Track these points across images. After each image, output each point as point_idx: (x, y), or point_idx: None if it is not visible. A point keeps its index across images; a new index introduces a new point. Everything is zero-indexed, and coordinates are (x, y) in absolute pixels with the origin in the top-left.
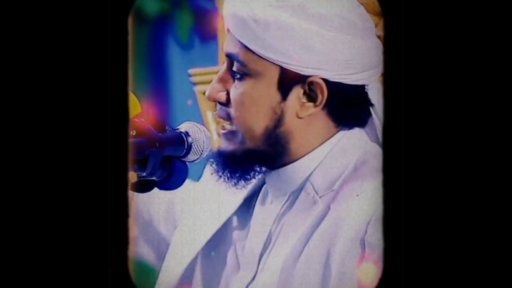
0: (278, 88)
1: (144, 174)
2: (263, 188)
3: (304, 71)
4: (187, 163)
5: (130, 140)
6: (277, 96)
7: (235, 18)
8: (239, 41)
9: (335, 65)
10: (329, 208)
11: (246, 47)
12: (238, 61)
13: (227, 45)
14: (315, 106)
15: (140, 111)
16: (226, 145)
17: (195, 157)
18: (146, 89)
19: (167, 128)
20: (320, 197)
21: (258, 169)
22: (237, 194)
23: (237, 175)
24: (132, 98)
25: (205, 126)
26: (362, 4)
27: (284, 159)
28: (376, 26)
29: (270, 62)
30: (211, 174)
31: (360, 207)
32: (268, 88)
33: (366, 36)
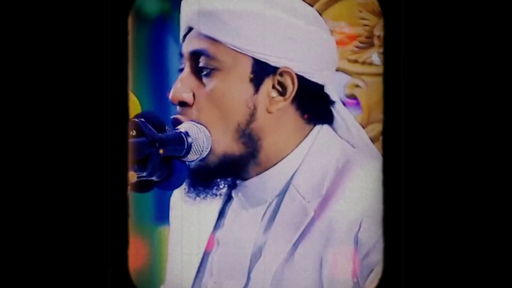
0: (250, 80)
1: (144, 174)
2: (234, 197)
3: (279, 62)
4: (187, 163)
5: (130, 140)
6: (249, 89)
7: (204, 14)
8: (206, 36)
9: (308, 58)
10: (319, 215)
11: (215, 40)
12: (208, 56)
13: (190, 44)
14: (285, 99)
15: (140, 111)
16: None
17: (195, 157)
18: (146, 89)
19: (167, 128)
20: (308, 202)
21: (222, 183)
22: (211, 206)
23: (203, 189)
24: (132, 98)
25: (205, 126)
26: (362, 4)
27: (257, 162)
28: (375, 26)
29: (242, 53)
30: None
31: (351, 208)
32: (240, 80)
33: (328, 34)
